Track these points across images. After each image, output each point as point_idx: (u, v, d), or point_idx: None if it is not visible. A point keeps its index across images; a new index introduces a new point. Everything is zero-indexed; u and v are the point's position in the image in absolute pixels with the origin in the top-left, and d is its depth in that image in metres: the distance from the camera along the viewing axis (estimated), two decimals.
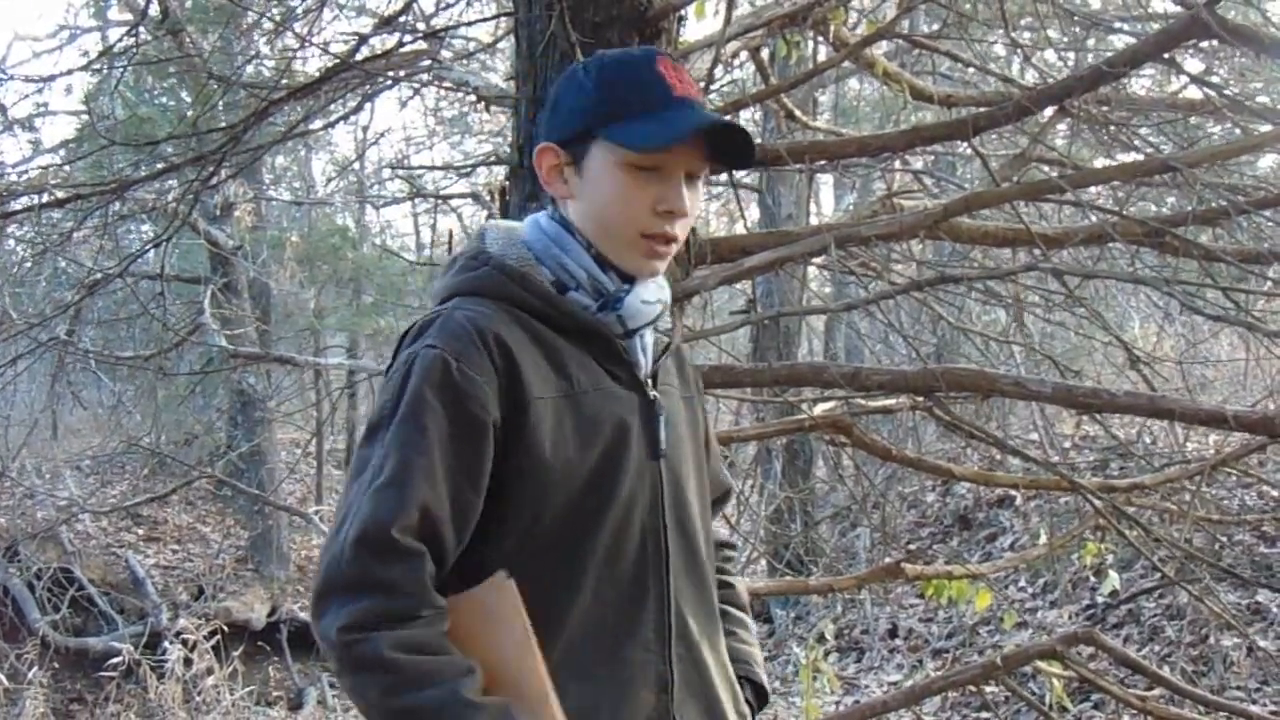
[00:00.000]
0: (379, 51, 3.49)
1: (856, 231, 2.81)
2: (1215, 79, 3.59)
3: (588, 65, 1.34)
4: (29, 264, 6.35)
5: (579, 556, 1.28)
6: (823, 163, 3.28)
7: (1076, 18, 3.54)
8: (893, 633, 6.49)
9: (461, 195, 6.22)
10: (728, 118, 1.31)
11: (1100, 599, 5.56)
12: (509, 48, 3.61)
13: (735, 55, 3.34)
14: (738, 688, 1.43)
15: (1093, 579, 5.58)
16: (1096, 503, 2.98)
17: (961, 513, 7.62)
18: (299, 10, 4.51)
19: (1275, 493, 5.42)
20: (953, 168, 6.50)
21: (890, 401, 3.22)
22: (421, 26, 3.76)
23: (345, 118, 4.83)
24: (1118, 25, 3.76)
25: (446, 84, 3.77)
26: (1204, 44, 3.16)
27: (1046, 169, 3.53)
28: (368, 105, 4.41)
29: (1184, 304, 2.87)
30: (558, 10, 2.50)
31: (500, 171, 3.98)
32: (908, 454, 3.61)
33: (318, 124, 4.95)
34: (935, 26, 4.68)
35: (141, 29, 4.03)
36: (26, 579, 8.37)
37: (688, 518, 1.37)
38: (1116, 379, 5.45)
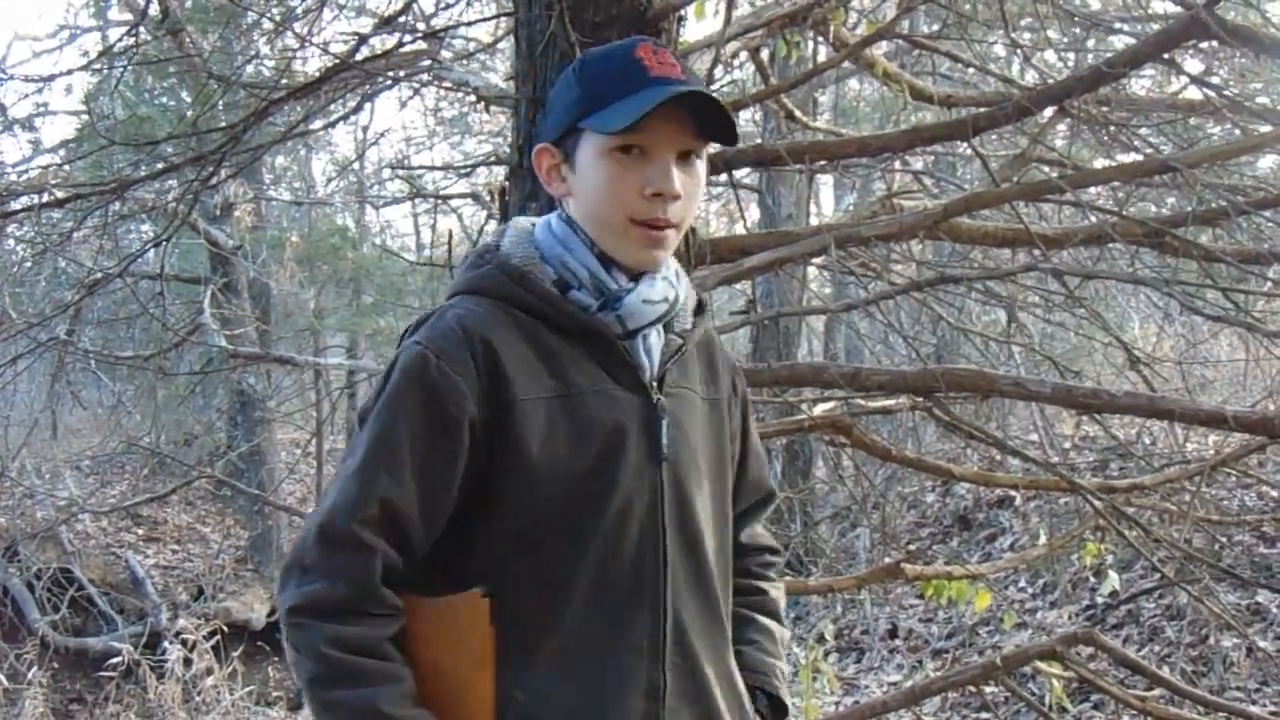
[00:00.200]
0: (379, 51, 3.49)
1: (856, 232, 2.81)
2: (1215, 79, 3.59)
3: (575, 64, 1.34)
4: (29, 264, 6.36)
5: (572, 559, 1.27)
6: (823, 163, 3.28)
7: (1076, 18, 3.55)
8: (892, 633, 6.49)
9: (461, 195, 6.21)
10: (695, 88, 1.27)
11: (1100, 599, 5.56)
12: (509, 48, 3.61)
13: (735, 55, 3.35)
14: (746, 700, 1.39)
15: (1092, 579, 5.58)
16: (1096, 503, 2.98)
17: (961, 513, 7.62)
18: (299, 10, 4.51)
19: (1275, 493, 5.42)
20: (953, 168, 6.50)
21: (890, 402, 3.22)
22: (421, 26, 3.76)
23: (345, 118, 4.83)
24: (1118, 26, 3.77)
25: (446, 84, 3.77)
26: (1204, 44, 3.16)
27: (1046, 169, 3.53)
28: (368, 105, 4.41)
29: (1184, 304, 2.87)
30: (557, 10, 2.50)
31: (500, 172, 3.98)
32: (907, 454, 3.61)
33: (318, 124, 4.95)
34: (935, 27, 4.68)
35: (141, 29, 4.03)
36: (26, 579, 8.36)
37: (692, 524, 1.34)
38: (1116, 379, 5.44)
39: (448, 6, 3.95)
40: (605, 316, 1.31)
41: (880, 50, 3.69)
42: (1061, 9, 3.30)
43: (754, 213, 8.62)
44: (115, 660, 6.34)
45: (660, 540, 1.31)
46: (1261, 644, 4.51)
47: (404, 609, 1.24)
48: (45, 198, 4.16)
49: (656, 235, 1.29)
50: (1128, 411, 2.81)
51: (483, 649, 1.24)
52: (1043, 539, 4.10)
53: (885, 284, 3.36)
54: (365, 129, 15.49)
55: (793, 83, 3.42)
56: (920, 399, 2.87)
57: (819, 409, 3.12)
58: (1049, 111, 3.06)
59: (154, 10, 4.36)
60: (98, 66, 5.18)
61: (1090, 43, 4.41)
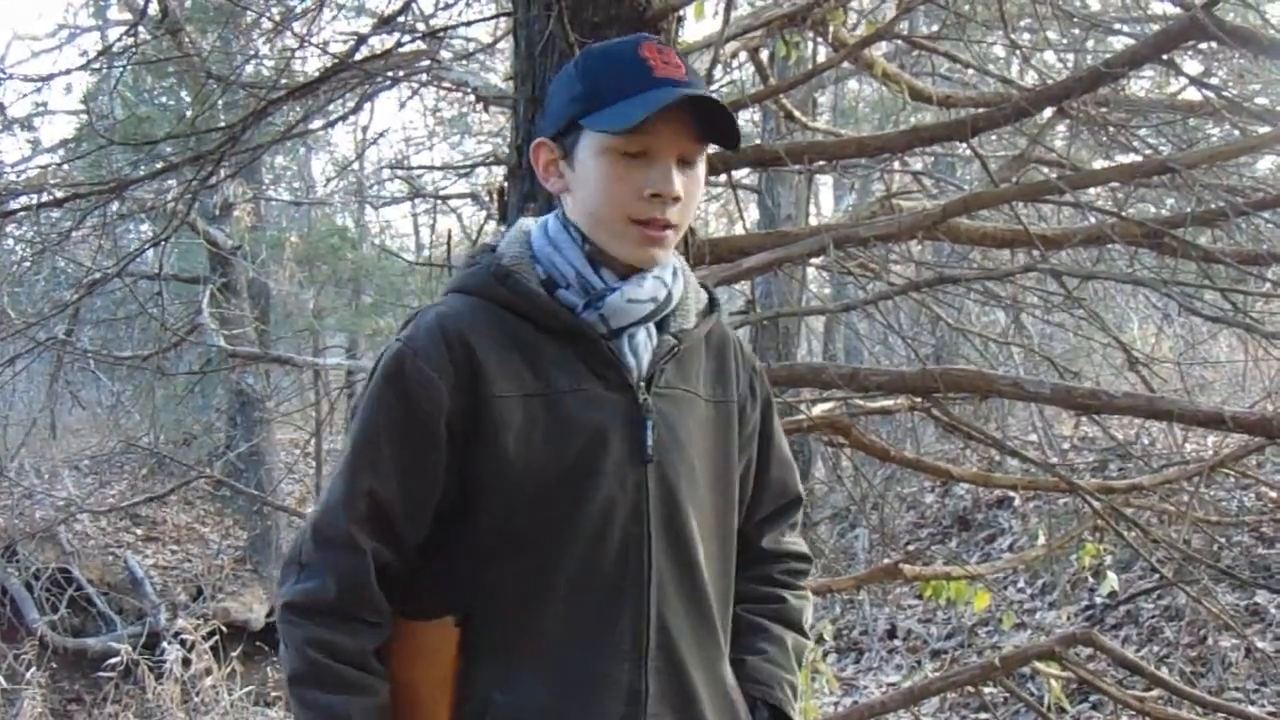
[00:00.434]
0: (378, 51, 3.49)
1: (855, 232, 2.81)
2: (1214, 80, 3.59)
3: (577, 59, 1.34)
4: (28, 263, 6.34)
5: (552, 559, 1.26)
6: (822, 163, 3.29)
7: (1075, 19, 3.55)
8: (891, 633, 6.49)
9: (461, 195, 6.22)
10: (701, 91, 1.26)
11: (1099, 600, 5.56)
12: (508, 48, 3.61)
13: (734, 56, 3.35)
14: (740, 709, 1.37)
15: (1091, 580, 5.58)
16: (1095, 504, 2.98)
17: (960, 514, 7.63)
18: (298, 10, 4.51)
19: (1273, 494, 5.42)
20: (952, 169, 6.50)
21: (889, 402, 3.23)
22: (421, 26, 3.77)
23: (344, 118, 4.84)
24: (1117, 27, 3.77)
25: (446, 84, 3.77)
26: (1203, 45, 3.16)
27: (1045, 170, 3.53)
28: (367, 105, 4.41)
29: (1182, 305, 2.87)
30: (556, 10, 2.50)
31: (499, 171, 3.98)
32: (906, 455, 3.61)
33: (317, 124, 4.95)
34: (934, 27, 4.68)
35: (140, 28, 4.03)
36: (25, 579, 8.36)
37: (682, 526, 1.31)
38: (1115, 380, 5.45)
39: (447, 6, 3.95)
40: (589, 315, 1.30)
41: (879, 51, 3.69)
42: (1060, 10, 3.30)
43: (753, 213, 8.62)
44: (114, 660, 6.33)
45: (645, 542, 1.29)
46: (1260, 644, 4.51)
47: (391, 617, 1.27)
48: (44, 197, 4.16)
49: (655, 235, 1.29)
50: (1126, 412, 2.81)
51: (447, 672, 1.27)
52: (1041, 539, 4.11)
53: (884, 284, 3.36)
54: (364, 129, 15.51)
55: (792, 83, 3.42)
56: (919, 399, 2.87)
57: (818, 409, 3.12)
58: (1048, 112, 3.06)
59: (153, 10, 4.35)
60: (97, 66, 5.19)
61: (1089, 43, 4.41)
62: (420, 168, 9.85)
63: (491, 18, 4.19)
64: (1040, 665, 3.12)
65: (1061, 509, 5.82)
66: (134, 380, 8.18)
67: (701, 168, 1.33)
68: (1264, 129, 3.10)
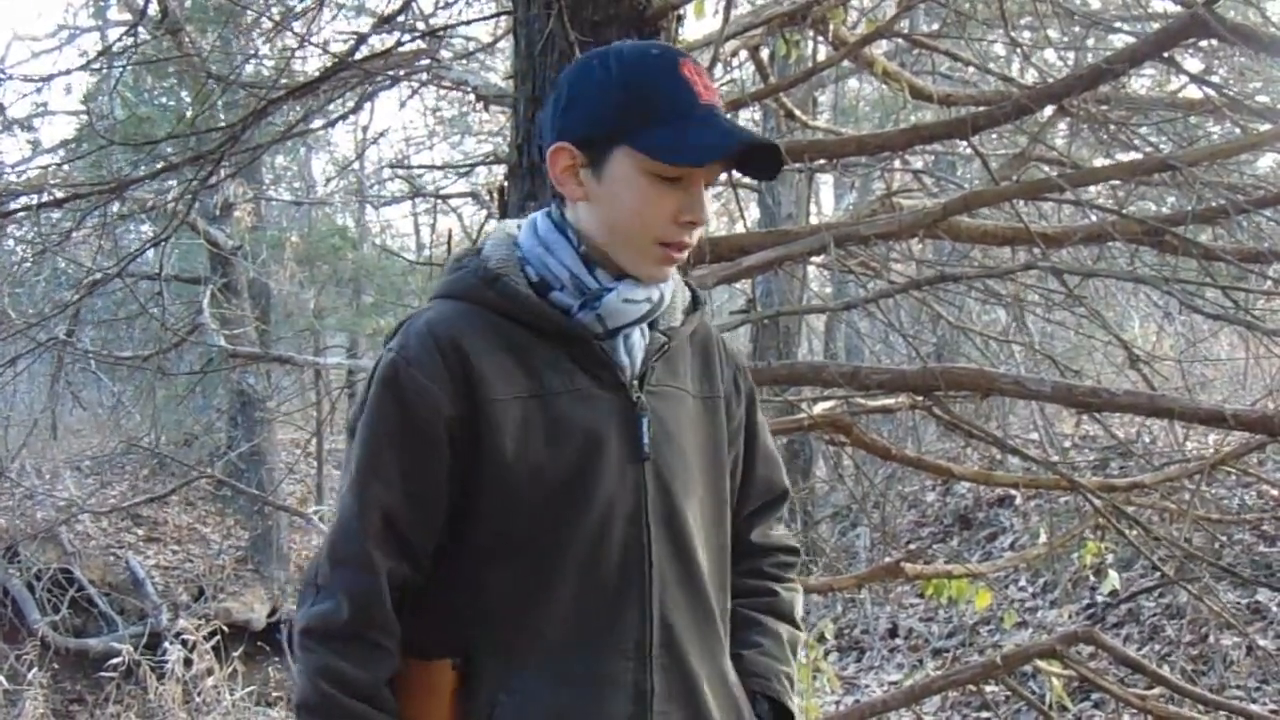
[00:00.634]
0: (378, 51, 3.49)
1: (855, 231, 2.81)
2: (1215, 78, 3.59)
3: (605, 61, 1.29)
4: (28, 264, 6.35)
5: (555, 560, 1.26)
6: (822, 162, 3.29)
7: (1076, 17, 3.54)
8: (893, 632, 6.49)
9: (461, 195, 6.21)
10: (764, 135, 1.30)
11: (1100, 598, 5.56)
12: (508, 47, 3.61)
13: (734, 54, 3.35)
14: (743, 703, 1.37)
15: (1093, 578, 5.58)
16: (1096, 502, 2.98)
17: (961, 512, 7.62)
18: (298, 9, 4.51)
19: (1275, 492, 5.42)
20: (953, 167, 6.50)
21: (890, 401, 3.22)
22: (420, 26, 3.77)
23: (344, 117, 4.84)
24: (1117, 24, 3.76)
25: (445, 83, 3.77)
26: (1203, 43, 3.16)
27: (1046, 168, 3.53)
28: (367, 105, 4.41)
29: (1183, 303, 2.87)
30: (556, 9, 2.50)
31: (500, 171, 3.98)
32: (907, 453, 3.61)
33: (317, 123, 4.95)
34: (935, 26, 4.68)
35: (140, 28, 4.04)
36: (26, 579, 8.36)
37: (679, 523, 1.32)
38: (1116, 378, 5.45)
39: (447, 6, 3.95)
40: (585, 316, 1.30)
41: (880, 49, 3.69)
42: (1061, 8, 3.30)
43: (754, 212, 8.62)
44: (115, 661, 6.34)
45: (645, 540, 1.30)
46: (1261, 642, 4.50)
47: (398, 644, 1.26)
48: (44, 198, 4.16)
49: (676, 256, 1.30)
50: (1127, 410, 2.81)
51: (445, 712, 1.26)
52: (1043, 538, 4.10)
53: (885, 283, 3.36)
54: (365, 129, 15.51)
55: (792, 81, 3.42)
56: (920, 398, 2.87)
57: (819, 408, 3.12)
58: (1049, 110, 3.06)
59: (153, 10, 4.35)
60: (97, 66, 5.19)
61: (1090, 41, 4.41)
62: (420, 167, 9.85)
63: (491, 17, 4.19)
64: (1042, 664, 3.12)
65: (1063, 507, 5.82)
66: (135, 380, 8.19)
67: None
68: (1264, 127, 3.10)
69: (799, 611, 1.54)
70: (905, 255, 3.64)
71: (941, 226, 2.82)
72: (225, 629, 6.58)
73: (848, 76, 8.29)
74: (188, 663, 6.25)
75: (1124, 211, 3.00)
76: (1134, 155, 3.34)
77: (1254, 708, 3.88)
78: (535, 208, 2.59)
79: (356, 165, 11.02)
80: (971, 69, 4.18)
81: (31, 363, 5.46)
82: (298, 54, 4.86)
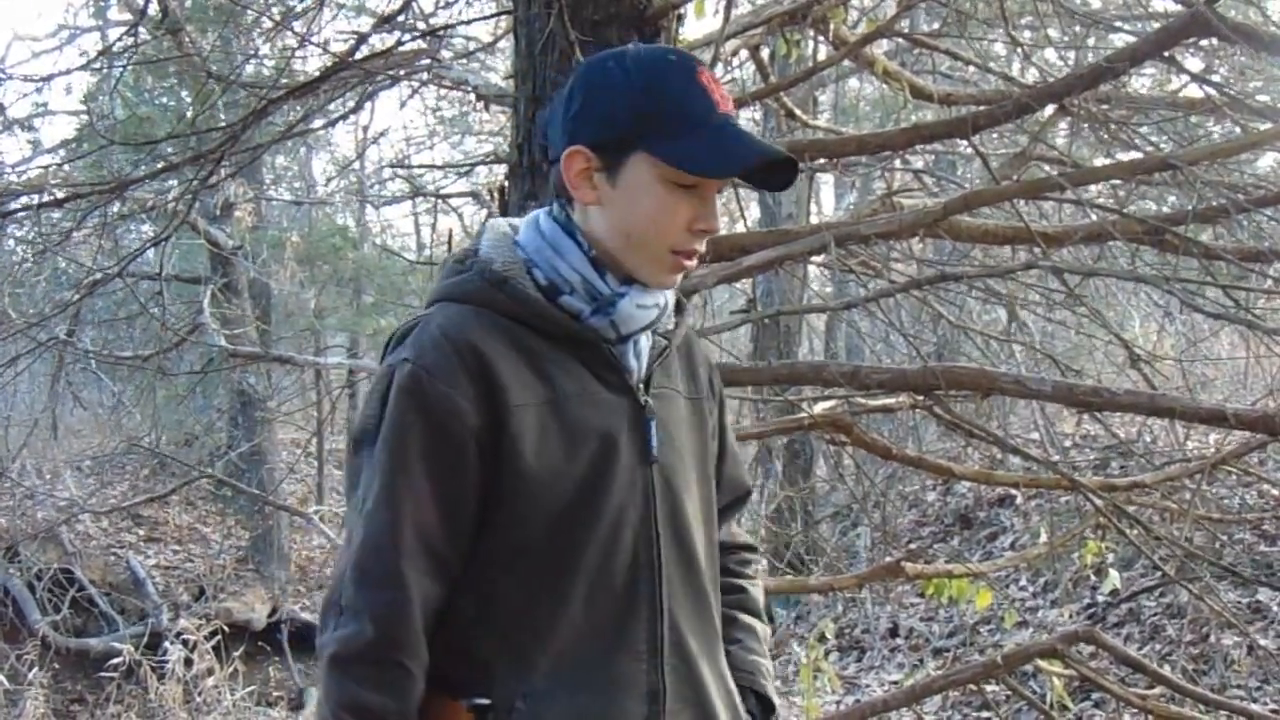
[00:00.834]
0: (378, 50, 3.49)
1: (856, 230, 2.81)
2: (1215, 77, 3.59)
3: (622, 64, 1.28)
4: (29, 264, 6.35)
5: (569, 565, 1.26)
6: (823, 161, 3.28)
7: (1077, 16, 3.54)
8: (893, 632, 6.49)
9: (461, 194, 6.22)
10: (782, 149, 1.28)
11: (1101, 598, 5.56)
12: (508, 47, 3.61)
13: (735, 54, 3.34)
14: (738, 699, 1.39)
15: (1093, 578, 5.58)
16: (1097, 501, 2.98)
17: (962, 512, 7.62)
18: (298, 9, 4.51)
19: (1276, 491, 5.42)
20: (953, 166, 6.49)
21: (890, 400, 3.22)
22: (421, 25, 3.77)
23: (345, 117, 4.84)
24: (1118, 24, 3.76)
25: (446, 83, 3.77)
26: (1204, 42, 3.15)
27: (1047, 167, 3.52)
28: (367, 104, 4.41)
29: (1184, 302, 2.87)
30: (556, 9, 2.50)
31: (500, 170, 3.98)
32: (908, 453, 3.60)
33: (317, 123, 4.95)
34: (935, 25, 4.68)
35: (141, 28, 4.04)
36: (27, 579, 8.36)
37: (683, 524, 1.34)
38: (1117, 377, 5.44)
39: (447, 5, 3.96)
40: (598, 321, 1.29)
41: (880, 48, 3.69)
42: (1062, 7, 3.29)
43: (754, 211, 8.62)
44: (116, 661, 6.34)
45: (654, 542, 1.30)
46: (1262, 642, 4.50)
47: (424, 670, 1.23)
48: (45, 198, 4.16)
49: (688, 264, 1.31)
50: (1128, 409, 2.80)
51: None
52: (1043, 537, 4.10)
53: (885, 282, 3.35)
54: (365, 128, 15.47)
55: (792, 81, 3.42)
56: (920, 397, 2.87)
57: (819, 407, 3.12)
58: (1049, 110, 3.06)
59: (153, 10, 4.36)
60: (97, 66, 5.19)
61: (1090, 41, 4.40)
62: (421, 167, 9.86)
63: (491, 16, 4.19)
64: (1042, 663, 3.12)
65: (1063, 507, 5.82)
66: (135, 380, 8.19)
67: None
68: (1265, 126, 3.09)
69: (763, 606, 1.57)
70: (906, 255, 3.64)
71: (942, 226, 2.82)
72: (226, 629, 6.58)
73: (848, 76, 8.29)
74: (188, 663, 6.25)
75: (1124, 211, 3.00)
76: (1134, 154, 3.34)
77: (1255, 707, 3.88)
78: (536, 207, 2.60)
79: (357, 165, 11.04)
80: (972, 68, 4.18)
81: (32, 362, 5.46)
82: (298, 54, 4.87)
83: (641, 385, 1.33)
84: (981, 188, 3.30)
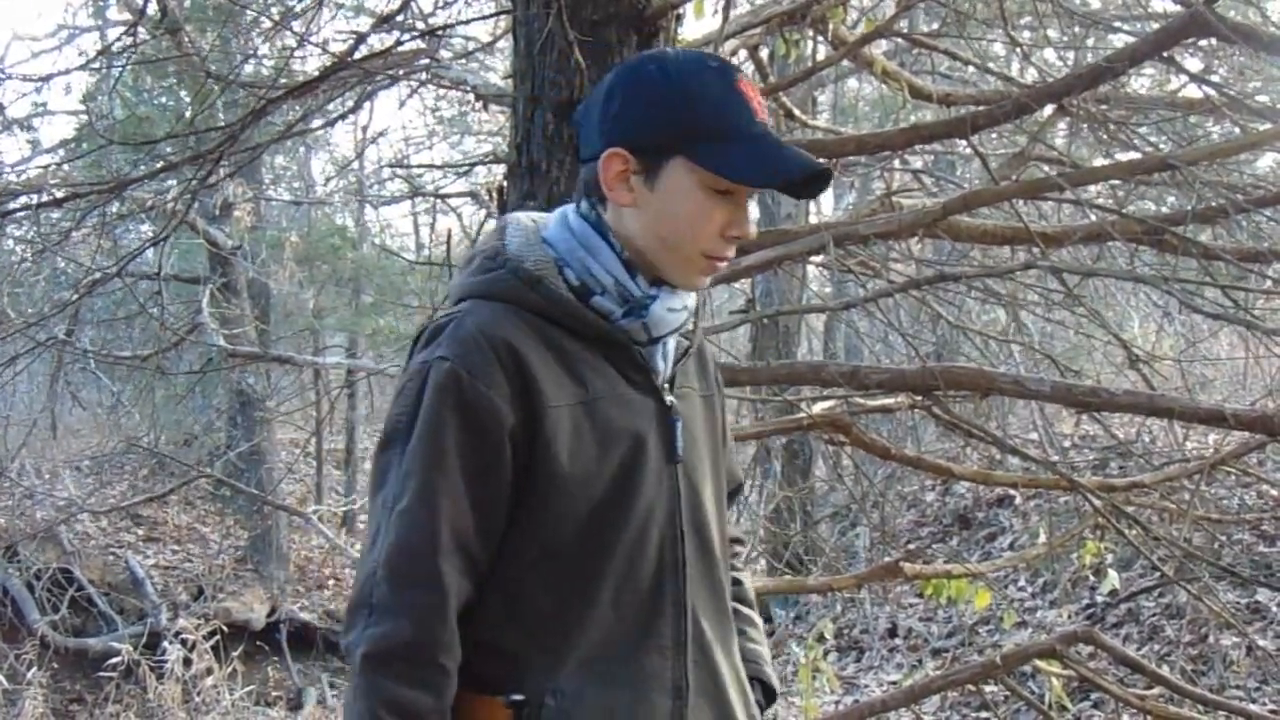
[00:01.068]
0: (377, 50, 3.49)
1: (855, 230, 2.81)
2: (1214, 77, 3.59)
3: (663, 68, 1.29)
4: (28, 263, 6.35)
5: (598, 564, 1.27)
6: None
7: (1076, 16, 3.54)
8: (892, 632, 6.49)
9: (460, 194, 6.21)
10: (822, 162, 1.31)
11: (1100, 598, 5.56)
12: (507, 46, 3.61)
13: (734, 54, 3.34)
14: (749, 689, 1.43)
15: (1092, 578, 5.57)
16: (1096, 502, 2.98)
17: (961, 512, 7.62)
18: (297, 9, 4.50)
19: (1275, 491, 5.42)
20: (952, 167, 6.50)
21: (889, 400, 3.22)
22: (420, 25, 3.76)
23: (344, 117, 4.84)
24: (1117, 24, 3.76)
25: (445, 83, 3.77)
26: (1203, 42, 3.15)
27: (1046, 168, 3.52)
28: (366, 104, 4.41)
29: (1183, 303, 2.87)
30: (555, 9, 2.49)
31: (499, 170, 3.98)
32: (907, 453, 3.60)
33: (316, 123, 4.95)
34: (934, 25, 4.68)
35: (140, 28, 4.03)
36: (26, 579, 8.36)
37: (704, 522, 1.36)
38: (1116, 378, 5.44)
39: (446, 5, 3.95)
40: (630, 323, 1.30)
41: (879, 49, 3.69)
42: (1061, 7, 3.29)
43: (753, 211, 8.60)
44: (115, 660, 6.34)
45: (679, 541, 1.32)
46: (1261, 642, 4.50)
47: (458, 666, 1.23)
48: (44, 197, 4.16)
49: (718, 267, 1.32)
50: (1127, 410, 2.81)
51: None
52: (1042, 538, 4.10)
53: (884, 282, 3.35)
54: (364, 128, 15.47)
55: (791, 81, 3.42)
56: (919, 398, 2.87)
57: (818, 407, 3.12)
58: (1048, 110, 3.06)
59: (152, 9, 4.35)
60: (96, 66, 5.18)
61: (1090, 41, 4.40)
62: (420, 166, 9.85)
63: (490, 16, 4.19)
64: (1041, 663, 3.12)
65: (1062, 507, 5.81)
66: (134, 380, 8.19)
67: None
68: (1264, 126, 3.09)
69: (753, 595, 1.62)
70: (905, 255, 3.64)
71: (941, 226, 2.82)
72: (224, 629, 6.58)
73: (847, 76, 8.29)
74: (187, 662, 6.25)
75: (1123, 211, 3.00)
76: (1133, 155, 3.34)
77: (1253, 708, 3.88)
78: (534, 206, 2.60)
79: (356, 165, 11.02)
80: (971, 68, 4.18)
81: (31, 362, 5.46)
82: (297, 53, 4.86)
83: (666, 385, 1.35)
84: (980, 188, 3.30)
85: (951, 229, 2.96)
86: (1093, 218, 3.01)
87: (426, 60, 3.54)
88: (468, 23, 4.17)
